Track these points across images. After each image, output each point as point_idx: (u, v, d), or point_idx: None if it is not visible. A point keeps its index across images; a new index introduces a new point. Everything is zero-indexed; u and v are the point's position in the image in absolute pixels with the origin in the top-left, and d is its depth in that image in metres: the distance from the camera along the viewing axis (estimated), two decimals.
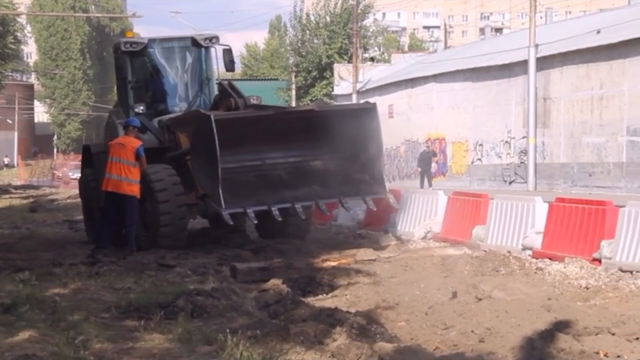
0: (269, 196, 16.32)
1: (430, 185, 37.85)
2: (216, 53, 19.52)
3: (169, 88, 19.58)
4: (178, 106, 19.29)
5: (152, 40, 19.55)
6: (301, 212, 16.35)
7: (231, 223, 16.02)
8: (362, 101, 29.80)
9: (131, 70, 19.27)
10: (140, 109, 18.64)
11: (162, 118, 18.62)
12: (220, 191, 15.66)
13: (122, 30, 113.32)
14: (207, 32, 19.68)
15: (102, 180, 16.88)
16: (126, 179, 16.63)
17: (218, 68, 19.69)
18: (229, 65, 19.37)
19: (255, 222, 16.54)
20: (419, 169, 40.87)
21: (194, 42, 19.40)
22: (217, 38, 19.58)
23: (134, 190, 16.69)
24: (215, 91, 19.35)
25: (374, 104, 17.50)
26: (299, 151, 16.91)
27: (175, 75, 19.59)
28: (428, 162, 38.47)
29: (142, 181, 17.28)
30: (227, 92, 18.26)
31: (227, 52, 19.29)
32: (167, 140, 18.35)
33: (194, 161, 16.79)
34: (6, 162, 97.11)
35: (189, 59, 19.56)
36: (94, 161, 19.41)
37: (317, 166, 17.04)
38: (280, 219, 16.21)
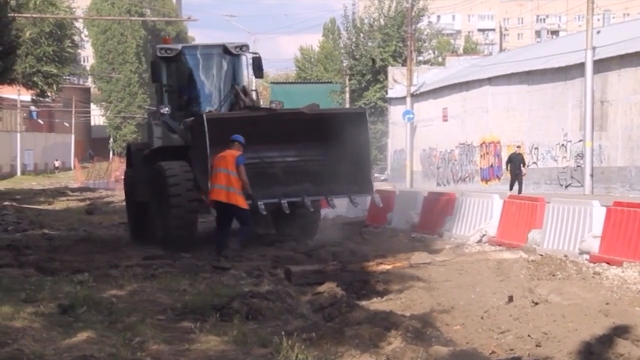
0: (258, 192, 17.34)
1: (520, 190, 36.20)
2: (247, 60, 20.42)
3: (200, 92, 20.32)
4: (209, 109, 19.74)
5: (185, 47, 20.71)
6: (286, 208, 17.50)
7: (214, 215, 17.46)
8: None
9: (166, 74, 20.13)
10: (165, 110, 19.67)
11: (187, 120, 19.27)
12: (210, 185, 16.84)
13: (176, 33, 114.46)
14: (238, 41, 20.57)
15: (209, 190, 16.86)
16: (232, 188, 16.69)
17: (248, 74, 20.65)
18: (257, 72, 20.24)
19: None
20: (509, 172, 38.88)
21: (226, 50, 20.14)
22: (247, 46, 20.48)
23: (240, 201, 16.76)
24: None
25: (364, 109, 19.01)
26: (290, 151, 18.31)
27: (207, 80, 20.35)
28: (518, 165, 37.26)
29: (158, 176, 18.45)
30: (240, 95, 19.14)
31: (256, 60, 20.19)
32: (190, 139, 19.01)
33: (193, 157, 17.96)
34: (57, 165, 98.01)
35: (220, 66, 20.30)
36: (132, 159, 21.20)
37: (307, 165, 18.27)
38: (264, 212, 17.42)
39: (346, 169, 18.21)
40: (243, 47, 20.26)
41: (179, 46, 20.42)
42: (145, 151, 20.47)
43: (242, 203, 16.78)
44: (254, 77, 21.20)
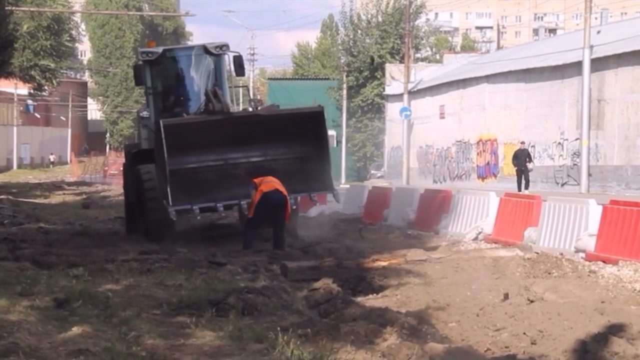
0: (218, 194, 17.87)
1: (526, 187, 35.44)
2: (228, 60, 20.76)
3: (183, 93, 20.79)
4: (192, 110, 20.09)
5: (166, 50, 21.13)
6: (245, 209, 17.50)
7: (174, 219, 17.61)
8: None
9: (150, 77, 20.58)
10: (144, 113, 20.53)
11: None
12: (169, 189, 17.13)
13: (174, 28, 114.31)
14: (218, 41, 20.86)
15: (260, 186, 16.81)
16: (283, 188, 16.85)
17: (231, 73, 21.23)
18: (239, 70, 20.68)
19: (199, 217, 18.35)
20: (516, 168, 37.32)
21: (206, 50, 20.53)
22: (227, 46, 20.72)
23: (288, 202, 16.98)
24: (226, 94, 20.43)
25: (322, 107, 19.07)
26: (251, 152, 18.49)
27: (189, 81, 20.84)
28: (523, 161, 36.73)
29: (136, 179, 19.16)
30: (210, 98, 19.05)
31: (237, 59, 20.62)
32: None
33: (156, 162, 18.19)
34: (52, 159, 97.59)
35: (202, 66, 20.71)
36: (126, 158, 21.84)
37: (268, 166, 18.32)
38: (224, 214, 18.37)
39: (307, 167, 18.47)
40: (223, 47, 20.55)
41: (160, 49, 20.82)
42: (127, 154, 21.29)
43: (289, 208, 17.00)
44: (241, 76, 21.97)
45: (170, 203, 17.29)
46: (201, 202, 17.77)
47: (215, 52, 20.40)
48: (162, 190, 17.98)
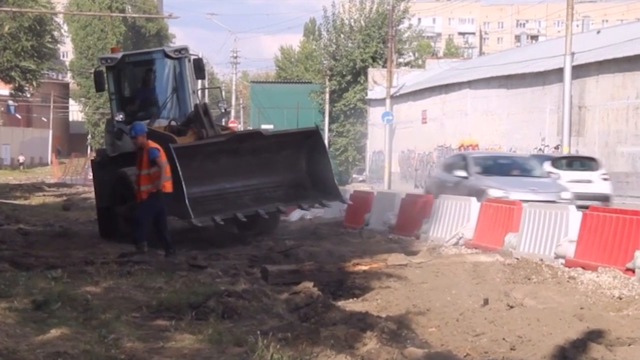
0: (234, 208, 18.05)
1: None
2: (190, 63, 20.86)
3: (145, 98, 20.93)
4: (153, 113, 20.42)
5: (126, 55, 21.24)
6: (263, 214, 18.00)
7: (200, 225, 17.47)
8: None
9: (112, 82, 20.65)
10: (120, 117, 20.19)
11: None
12: (189, 207, 16.92)
13: (157, 30, 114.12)
14: (177, 45, 21.40)
15: (167, 181, 16.60)
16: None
17: (192, 76, 21.03)
18: (199, 73, 20.85)
19: (222, 223, 17.85)
20: None
21: (165, 55, 20.83)
22: (186, 50, 20.90)
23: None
24: (189, 98, 20.63)
25: (317, 126, 19.72)
26: (258, 171, 18.57)
27: (150, 85, 20.97)
28: None
29: (123, 182, 18.91)
30: (200, 119, 18.95)
31: (197, 62, 20.84)
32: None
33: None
34: (21, 161, 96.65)
35: (162, 70, 20.96)
36: (93, 163, 22.14)
37: (276, 184, 18.78)
38: (244, 219, 18.15)
39: (312, 182, 18.93)
40: (182, 50, 20.74)
41: (120, 54, 20.95)
42: (96, 159, 21.55)
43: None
44: (201, 79, 21.87)
45: (192, 216, 17.13)
46: (222, 215, 17.69)
47: (174, 56, 20.60)
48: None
